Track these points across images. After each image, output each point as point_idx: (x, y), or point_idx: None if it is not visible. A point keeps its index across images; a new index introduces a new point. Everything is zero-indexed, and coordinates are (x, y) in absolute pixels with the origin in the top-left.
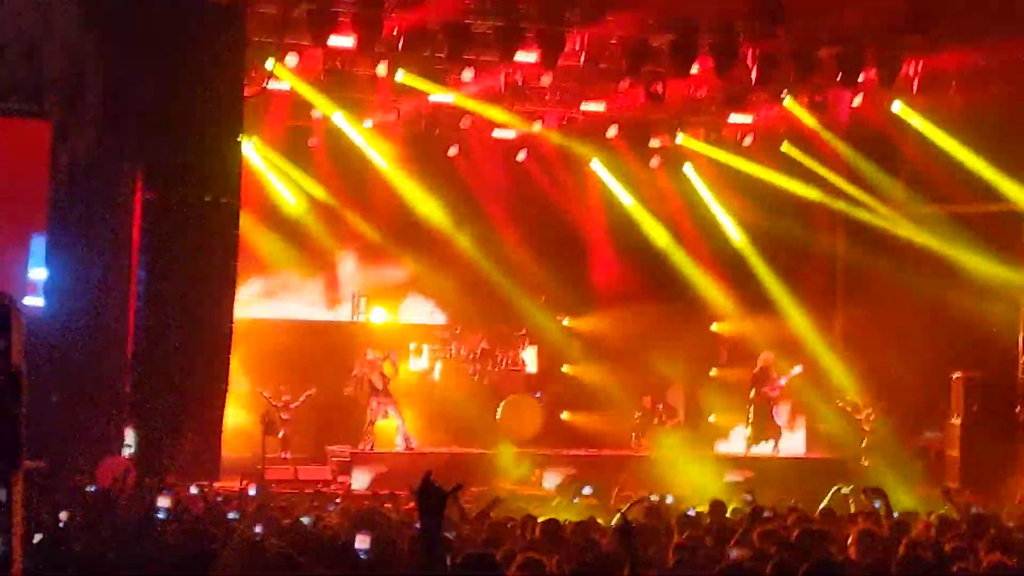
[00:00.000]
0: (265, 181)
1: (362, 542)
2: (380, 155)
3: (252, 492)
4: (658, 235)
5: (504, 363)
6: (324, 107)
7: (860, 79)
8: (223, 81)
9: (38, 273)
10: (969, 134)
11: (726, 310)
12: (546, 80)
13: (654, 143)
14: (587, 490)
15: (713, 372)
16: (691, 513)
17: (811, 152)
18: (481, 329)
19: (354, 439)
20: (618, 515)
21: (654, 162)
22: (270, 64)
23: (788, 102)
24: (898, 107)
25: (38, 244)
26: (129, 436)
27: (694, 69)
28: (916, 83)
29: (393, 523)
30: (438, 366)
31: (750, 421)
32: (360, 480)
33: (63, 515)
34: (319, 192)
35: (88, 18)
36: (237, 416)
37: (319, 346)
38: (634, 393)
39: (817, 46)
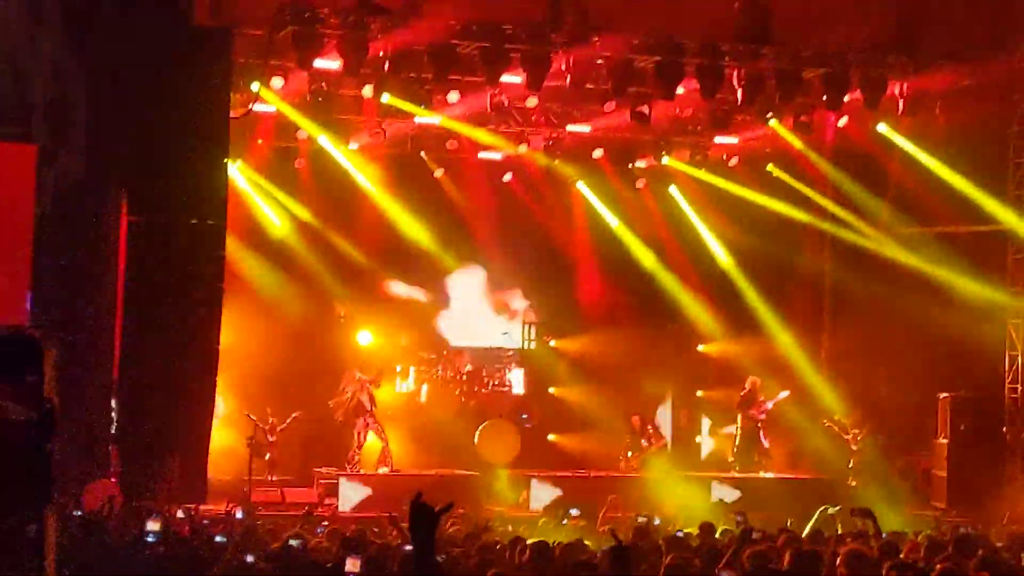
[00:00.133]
0: (251, 203)
1: (352, 566)
2: (366, 177)
3: (239, 515)
4: (644, 256)
5: (490, 384)
6: (310, 129)
7: (845, 100)
8: (208, 103)
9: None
10: (954, 155)
11: (713, 331)
12: (532, 102)
13: (640, 164)
14: (574, 511)
15: (700, 393)
16: (679, 534)
17: (797, 173)
18: (467, 350)
19: (341, 461)
20: (612, 537)
21: (640, 183)
22: (255, 86)
23: (773, 123)
24: (883, 128)
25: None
26: (115, 459)
27: (680, 90)
28: (901, 104)
29: (382, 546)
30: (424, 388)
31: (737, 443)
32: (348, 502)
33: None
34: (305, 214)
35: (73, 41)
36: (223, 438)
37: (306, 368)
38: (621, 414)
39: (802, 67)
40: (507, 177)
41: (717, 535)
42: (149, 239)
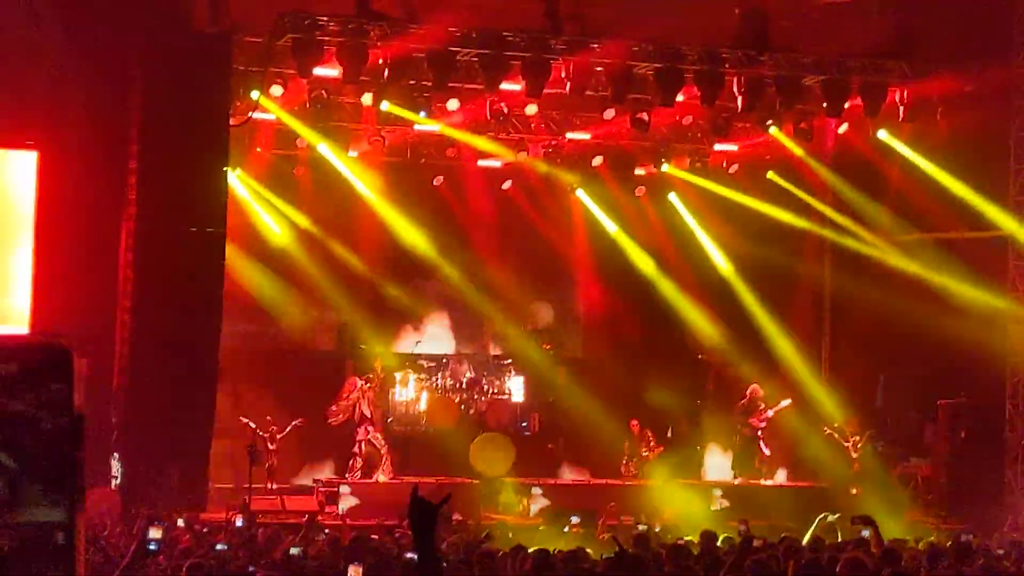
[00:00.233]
0: (250, 211)
1: (355, 573)
2: (365, 185)
3: (239, 523)
4: (644, 264)
5: (490, 392)
6: (309, 137)
7: (846, 107)
8: (208, 111)
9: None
10: (955, 161)
11: (712, 338)
12: (531, 109)
13: (639, 171)
14: (575, 519)
15: (699, 401)
16: (680, 542)
17: (797, 180)
18: (467, 358)
19: (341, 469)
20: (613, 544)
21: (639, 190)
22: (255, 94)
23: (774, 130)
24: (884, 135)
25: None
26: (115, 467)
27: (679, 97)
28: (901, 111)
29: (383, 552)
30: (424, 396)
31: (737, 451)
32: (348, 510)
33: None
34: (304, 222)
35: (75, 49)
36: (223, 446)
37: (306, 376)
38: (620, 422)
39: (802, 74)
40: (506, 184)
41: (719, 543)
42: (149, 246)
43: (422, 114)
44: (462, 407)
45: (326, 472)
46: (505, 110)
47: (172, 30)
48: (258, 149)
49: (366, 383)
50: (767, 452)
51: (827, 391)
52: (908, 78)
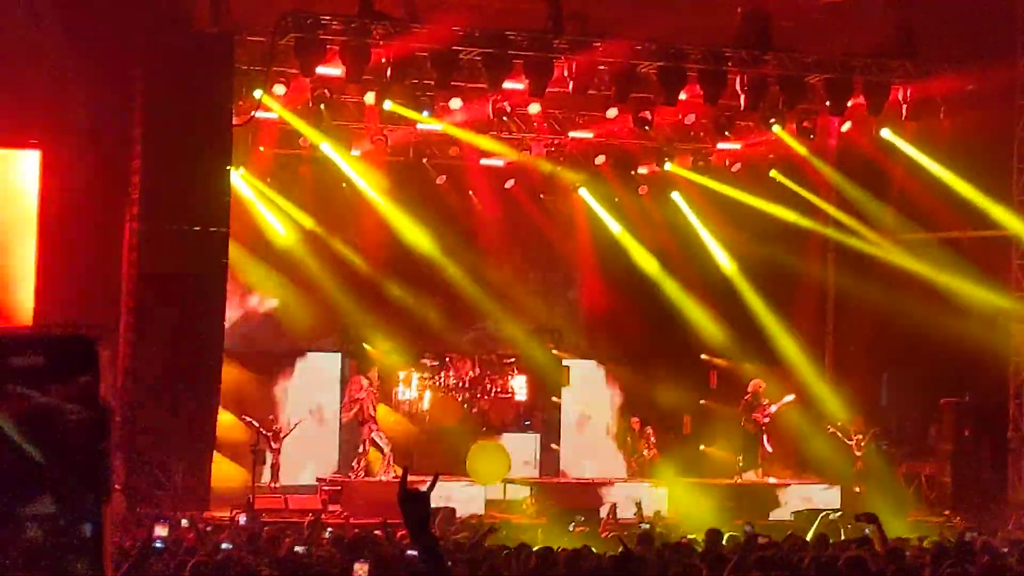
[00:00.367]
0: (253, 210)
1: (360, 571)
2: (368, 184)
3: (242, 521)
4: (647, 263)
5: (494, 391)
6: (312, 136)
7: (849, 105)
8: (211, 110)
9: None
10: (958, 160)
11: (716, 337)
12: (534, 108)
13: (642, 170)
14: (579, 517)
15: (703, 399)
16: (684, 541)
17: (800, 179)
18: (470, 358)
19: (344, 468)
20: (618, 543)
21: (642, 189)
22: (258, 93)
23: (777, 129)
24: (887, 133)
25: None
26: (118, 466)
27: (682, 96)
28: (905, 109)
29: (386, 551)
30: (427, 395)
31: (741, 448)
32: (351, 508)
33: None
34: (307, 221)
35: (77, 48)
36: (227, 445)
37: (309, 375)
38: (624, 421)
39: (805, 73)
40: (509, 184)
41: (723, 542)
42: (152, 246)
43: (425, 113)
44: (465, 406)
45: (329, 471)
46: (508, 109)
47: (174, 29)
48: (261, 148)
49: (371, 383)
50: (769, 449)
51: (831, 390)
52: (911, 77)
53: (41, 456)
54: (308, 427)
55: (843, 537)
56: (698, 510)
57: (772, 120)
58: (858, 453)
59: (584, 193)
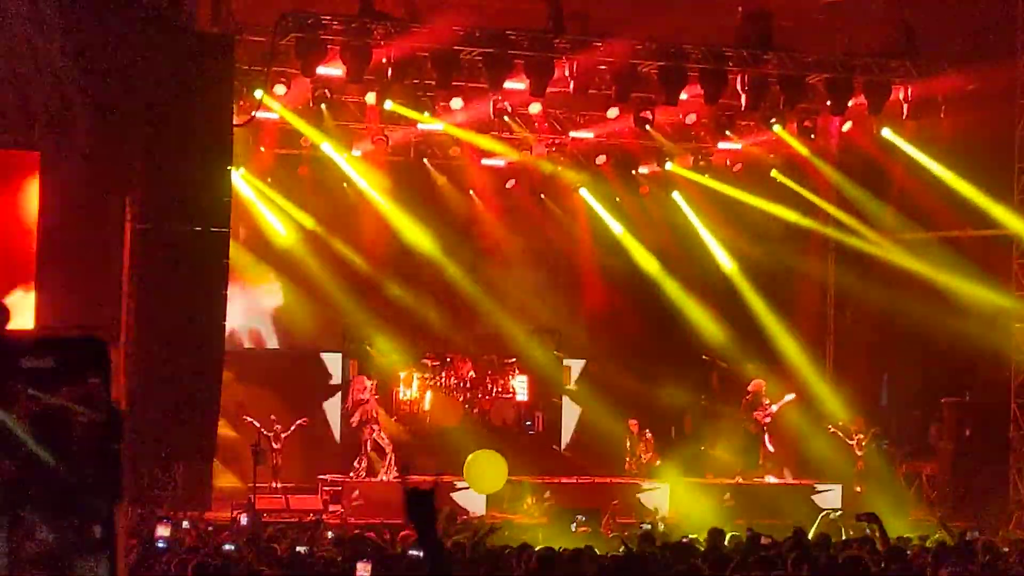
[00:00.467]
0: (254, 210)
1: (364, 571)
2: (369, 184)
3: (243, 522)
4: (648, 262)
5: (494, 392)
6: (312, 136)
7: (849, 105)
8: (212, 110)
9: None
10: (959, 159)
11: (716, 337)
12: (535, 108)
13: (643, 170)
14: (580, 518)
15: (703, 399)
16: (685, 540)
17: (801, 178)
18: (470, 358)
19: (346, 468)
20: (620, 543)
21: (643, 189)
22: (259, 93)
23: (777, 128)
24: (887, 133)
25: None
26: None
27: (683, 96)
28: (905, 109)
29: (387, 551)
30: (428, 395)
31: (741, 448)
32: (352, 509)
33: None
34: (307, 221)
35: (76, 48)
36: (227, 446)
37: (310, 375)
38: (624, 421)
39: (806, 72)
40: (510, 183)
41: (725, 542)
42: (154, 246)
43: (426, 113)
44: (466, 406)
45: (330, 471)
46: (509, 109)
47: (175, 29)
48: (262, 148)
49: (372, 383)
50: (771, 449)
51: (831, 389)
52: (912, 76)
53: (51, 458)
54: (309, 427)
55: (844, 537)
56: (699, 510)
57: (773, 120)
58: (859, 453)
59: (585, 193)
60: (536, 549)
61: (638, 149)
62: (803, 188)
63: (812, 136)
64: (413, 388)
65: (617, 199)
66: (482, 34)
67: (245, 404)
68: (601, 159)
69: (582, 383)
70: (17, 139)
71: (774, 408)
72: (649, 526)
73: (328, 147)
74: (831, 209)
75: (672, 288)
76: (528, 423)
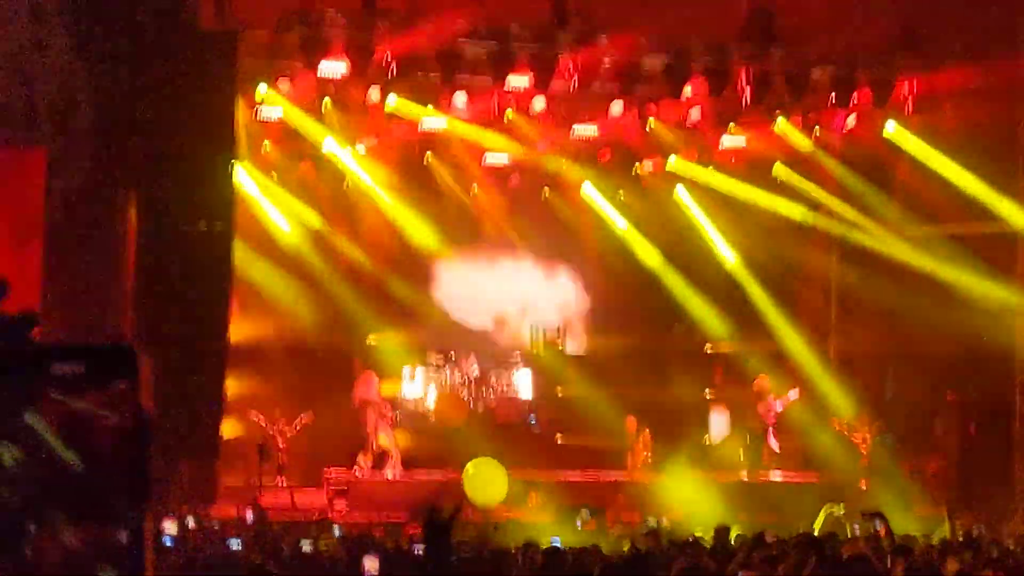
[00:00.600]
0: (258, 208)
1: (371, 566)
2: (373, 180)
3: (249, 519)
4: (651, 257)
5: (499, 388)
6: (316, 132)
7: (854, 100)
8: (215, 107)
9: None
10: (963, 154)
11: (720, 332)
12: (539, 103)
13: (647, 165)
14: (585, 514)
15: (708, 394)
16: (690, 539)
17: (805, 173)
18: (475, 354)
19: (350, 464)
20: (625, 541)
21: (646, 184)
22: (263, 90)
23: (781, 123)
24: (892, 128)
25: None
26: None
27: (687, 91)
28: (910, 103)
29: (391, 549)
30: (432, 391)
31: (746, 444)
32: (357, 506)
33: None
34: (311, 218)
35: (81, 45)
36: (233, 442)
37: (315, 372)
38: (628, 416)
39: (810, 67)
40: (514, 179)
41: (731, 539)
42: (158, 243)
43: (429, 108)
44: (471, 403)
45: (335, 468)
46: (512, 105)
47: (178, 27)
48: (265, 144)
49: (378, 380)
50: (776, 447)
51: (836, 385)
52: (916, 71)
53: (77, 460)
54: (314, 424)
55: (850, 533)
56: (704, 507)
57: (777, 114)
58: (863, 449)
59: (588, 188)
60: (542, 548)
61: (642, 144)
62: (807, 183)
63: (816, 131)
64: (417, 384)
65: (620, 194)
66: (485, 29)
67: (250, 401)
68: (604, 154)
69: (585, 379)
70: (23, 137)
71: (779, 405)
72: (654, 524)
73: (332, 143)
74: (835, 204)
75: (675, 282)
76: (532, 420)
